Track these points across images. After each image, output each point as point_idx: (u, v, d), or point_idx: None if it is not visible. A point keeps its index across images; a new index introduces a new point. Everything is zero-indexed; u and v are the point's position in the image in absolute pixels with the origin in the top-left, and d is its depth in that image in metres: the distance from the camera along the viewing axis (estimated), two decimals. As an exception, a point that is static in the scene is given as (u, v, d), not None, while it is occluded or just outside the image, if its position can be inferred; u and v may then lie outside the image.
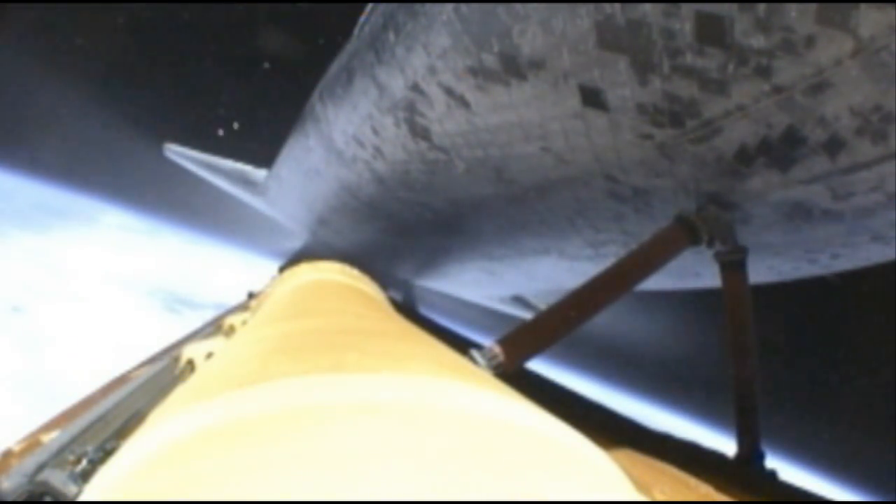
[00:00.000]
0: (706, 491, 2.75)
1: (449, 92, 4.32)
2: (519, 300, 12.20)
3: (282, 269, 7.60)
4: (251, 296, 6.10)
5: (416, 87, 4.60)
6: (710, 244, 4.00)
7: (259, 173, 12.32)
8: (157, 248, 30.05)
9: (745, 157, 3.32)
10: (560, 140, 4.05)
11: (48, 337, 21.24)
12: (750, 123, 3.08)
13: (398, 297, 11.07)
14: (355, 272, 3.96)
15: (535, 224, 5.74)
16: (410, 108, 4.87)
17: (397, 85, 4.81)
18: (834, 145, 2.94)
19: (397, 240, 9.01)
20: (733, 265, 4.15)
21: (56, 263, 26.49)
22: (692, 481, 2.82)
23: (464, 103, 4.32)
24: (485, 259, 8.08)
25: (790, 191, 3.44)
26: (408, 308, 10.47)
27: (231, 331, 2.78)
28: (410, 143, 5.34)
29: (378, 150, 6.00)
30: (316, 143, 7.48)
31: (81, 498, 0.90)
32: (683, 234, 3.89)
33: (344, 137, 6.50)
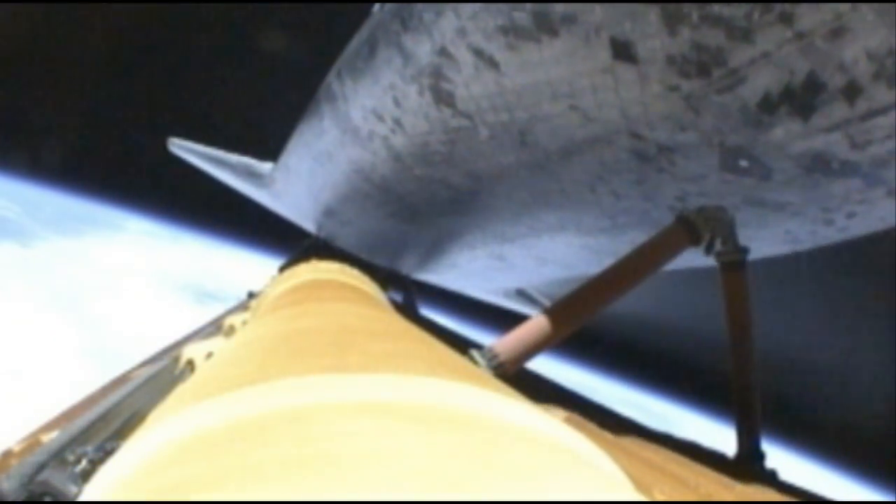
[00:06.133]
0: (706, 491, 2.75)
1: (478, 53, 4.32)
2: (522, 295, 12.23)
3: (282, 269, 7.61)
4: (251, 296, 6.11)
5: (443, 52, 4.59)
6: (711, 244, 4.01)
7: (264, 166, 12.30)
8: (181, 250, 33.66)
9: (768, 106, 3.38)
10: (588, 97, 4.06)
11: (101, 319, 25.94)
12: (773, 70, 3.15)
13: (398, 297, 11.08)
14: (355, 272, 3.97)
15: (555, 194, 5.75)
16: (436, 74, 4.86)
17: (423, 51, 4.78)
18: (852, 91, 3.02)
19: (406, 226, 8.98)
20: (733, 265, 4.16)
21: (95, 263, 30.60)
22: (692, 481, 2.81)
23: (493, 64, 4.31)
24: (497, 241, 8.05)
25: (810, 140, 3.49)
26: (408, 308, 10.49)
27: (231, 331, 2.79)
28: (433, 110, 5.32)
29: (398, 123, 5.97)
30: (330, 124, 7.46)
31: (81, 498, 0.90)
32: (684, 234, 3.90)
33: (362, 112, 6.47)
